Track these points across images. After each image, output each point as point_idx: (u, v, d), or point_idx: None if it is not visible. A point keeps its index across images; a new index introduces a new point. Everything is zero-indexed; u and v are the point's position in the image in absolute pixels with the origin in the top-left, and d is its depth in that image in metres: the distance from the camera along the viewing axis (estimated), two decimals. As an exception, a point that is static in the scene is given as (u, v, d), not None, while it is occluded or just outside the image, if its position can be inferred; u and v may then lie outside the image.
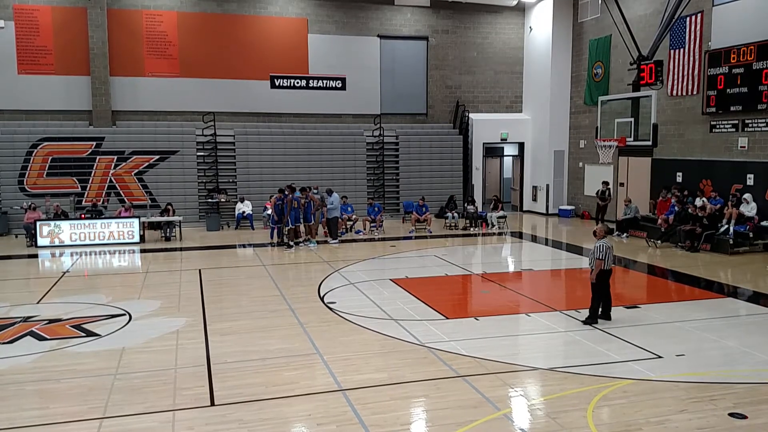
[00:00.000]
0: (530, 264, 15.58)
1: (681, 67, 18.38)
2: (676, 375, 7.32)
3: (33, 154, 20.03)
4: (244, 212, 20.53)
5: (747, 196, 16.08)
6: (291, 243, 16.83)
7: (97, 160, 20.54)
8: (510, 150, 26.00)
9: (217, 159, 21.74)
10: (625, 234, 18.18)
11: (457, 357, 8.00)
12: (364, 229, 19.53)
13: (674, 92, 18.67)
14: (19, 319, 9.96)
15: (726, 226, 15.88)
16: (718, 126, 17.42)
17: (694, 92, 18.03)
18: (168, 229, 18.54)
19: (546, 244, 18.47)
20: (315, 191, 18.19)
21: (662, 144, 18.52)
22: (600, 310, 9.50)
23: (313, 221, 17.41)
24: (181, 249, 17.20)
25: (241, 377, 7.39)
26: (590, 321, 9.45)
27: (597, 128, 18.35)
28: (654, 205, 18.67)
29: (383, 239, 18.44)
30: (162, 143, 21.12)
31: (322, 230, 18.31)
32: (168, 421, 6.25)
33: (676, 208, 17.13)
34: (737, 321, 9.91)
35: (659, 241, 16.70)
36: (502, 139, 25.07)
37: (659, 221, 17.47)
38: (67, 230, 17.58)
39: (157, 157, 21.02)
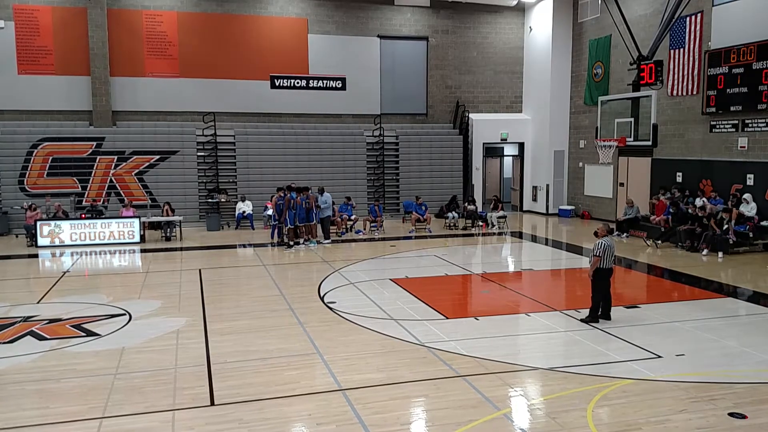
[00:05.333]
0: (530, 264, 15.58)
1: (681, 67, 18.37)
2: (676, 375, 7.32)
3: (33, 154, 20.04)
4: (244, 212, 20.53)
5: (747, 196, 16.07)
6: (291, 243, 16.83)
7: (97, 160, 20.55)
8: (510, 150, 26.00)
9: (218, 159, 21.74)
10: (625, 234, 18.21)
11: (457, 357, 8.00)
12: (364, 229, 19.54)
13: (674, 92, 18.66)
14: (20, 319, 9.97)
15: (726, 226, 15.87)
16: (718, 126, 17.42)
17: (694, 92, 18.03)
18: (168, 229, 18.55)
19: (546, 244, 18.47)
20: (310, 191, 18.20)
21: (662, 144, 18.52)
22: (600, 309, 9.52)
23: (314, 221, 17.41)
24: (181, 249, 17.20)
25: (241, 377, 7.39)
26: (590, 320, 9.46)
27: (597, 128, 18.34)
28: (653, 205, 18.67)
29: (383, 239, 18.44)
30: (162, 143, 21.12)
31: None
32: (168, 420, 6.26)
33: (671, 210, 17.15)
34: (737, 321, 9.91)
35: (659, 241, 16.71)
36: (502, 139, 25.07)
37: (655, 220, 17.53)
38: (68, 230, 17.57)
39: (158, 157, 21.02)
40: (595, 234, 9.69)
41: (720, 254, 15.17)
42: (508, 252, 17.27)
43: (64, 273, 14.03)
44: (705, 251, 15.46)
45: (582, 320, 9.55)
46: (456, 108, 24.83)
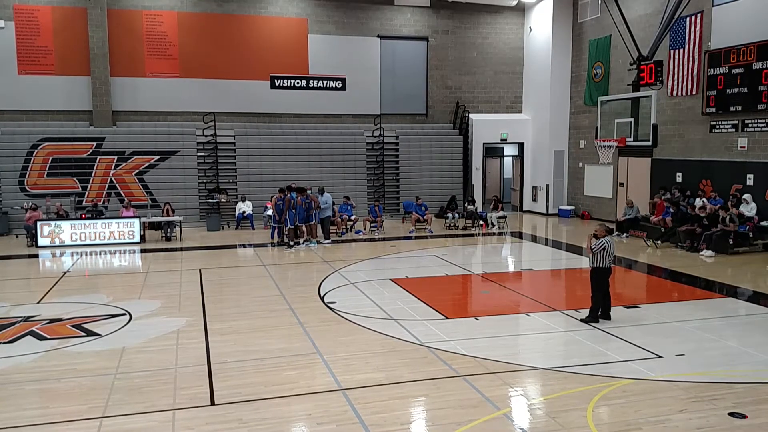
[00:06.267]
0: (530, 264, 15.58)
1: (681, 67, 18.38)
2: (676, 375, 7.33)
3: (33, 155, 20.04)
4: (244, 212, 20.54)
5: (747, 196, 16.08)
6: (291, 243, 16.84)
7: (97, 161, 20.55)
8: (510, 150, 26.00)
9: (218, 159, 21.75)
10: (625, 234, 18.22)
11: (457, 357, 8.00)
12: (364, 229, 19.54)
13: (674, 92, 18.67)
14: (20, 319, 9.97)
15: (728, 224, 15.87)
16: (717, 126, 17.42)
17: (694, 92, 18.03)
18: (168, 229, 18.55)
19: (546, 244, 18.47)
20: (309, 191, 18.21)
21: (662, 144, 18.51)
22: (600, 309, 9.51)
23: (314, 221, 17.42)
24: (181, 249, 17.20)
25: (241, 377, 7.39)
26: (590, 320, 9.47)
27: (597, 128, 18.34)
28: (653, 205, 18.68)
29: (383, 239, 18.44)
30: (162, 143, 21.13)
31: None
32: (168, 420, 6.26)
33: (671, 210, 17.15)
34: (737, 321, 9.91)
35: (659, 241, 16.71)
36: (502, 140, 25.08)
37: (655, 220, 17.54)
38: (68, 230, 17.57)
39: (158, 157, 21.03)
40: (595, 236, 9.62)
41: (713, 253, 15.22)
42: (508, 252, 17.27)
43: (65, 273, 14.03)
44: (705, 251, 15.46)
45: (582, 320, 9.55)
46: (456, 108, 24.84)
